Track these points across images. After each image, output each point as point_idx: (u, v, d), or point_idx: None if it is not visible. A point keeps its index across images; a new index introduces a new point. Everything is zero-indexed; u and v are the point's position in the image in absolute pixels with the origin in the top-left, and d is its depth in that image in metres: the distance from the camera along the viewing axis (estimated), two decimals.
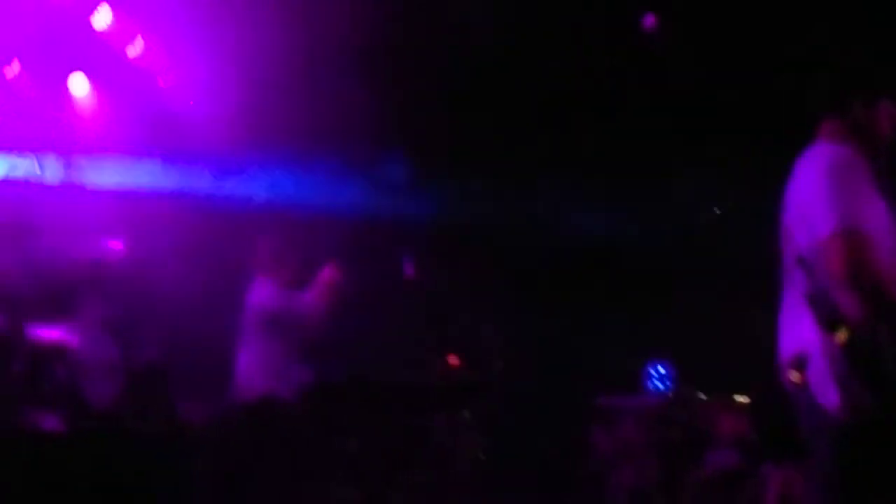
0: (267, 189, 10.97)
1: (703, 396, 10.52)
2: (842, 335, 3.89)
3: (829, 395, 3.95)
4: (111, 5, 9.79)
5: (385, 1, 9.30)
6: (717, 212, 12.52)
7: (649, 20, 9.49)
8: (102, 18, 9.80)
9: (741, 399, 10.28)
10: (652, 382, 11.38)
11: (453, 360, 11.31)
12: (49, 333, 9.22)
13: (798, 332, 4.16)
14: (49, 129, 10.47)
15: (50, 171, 10.63)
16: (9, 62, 9.96)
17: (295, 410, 7.88)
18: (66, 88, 10.54)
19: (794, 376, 4.14)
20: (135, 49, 10.03)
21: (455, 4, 9.30)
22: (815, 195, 4.10)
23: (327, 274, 7.86)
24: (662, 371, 11.13)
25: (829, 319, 3.96)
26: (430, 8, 9.36)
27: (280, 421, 7.72)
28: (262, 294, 7.89)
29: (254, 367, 7.78)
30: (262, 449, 7.66)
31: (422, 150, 11.12)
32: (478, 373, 10.80)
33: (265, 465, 7.64)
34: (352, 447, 9.69)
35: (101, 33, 9.87)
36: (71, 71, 10.49)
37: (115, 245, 10.20)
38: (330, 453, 9.30)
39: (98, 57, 10.19)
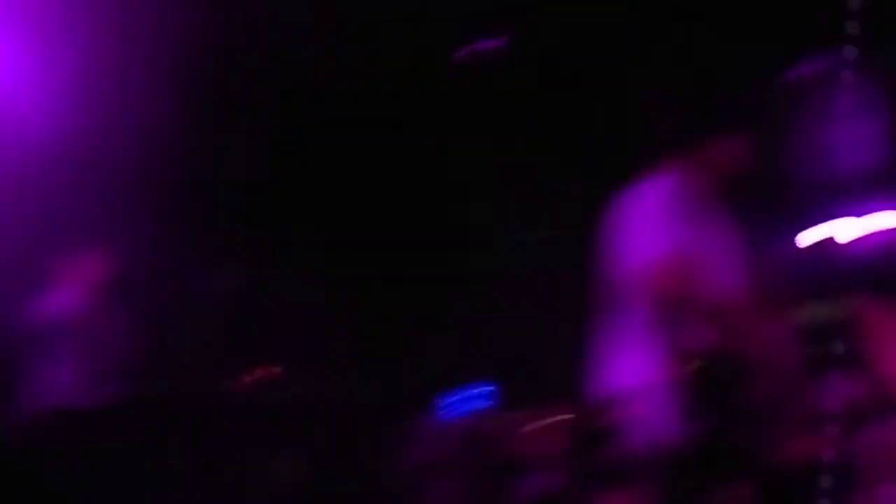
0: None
1: (521, 416, 10.64)
2: (684, 365, 3.96)
3: (664, 426, 4.04)
4: None
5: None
6: (543, 234, 12.69)
7: (487, 43, 9.58)
8: None
9: (562, 418, 10.45)
10: (470, 401, 11.47)
11: (272, 371, 11.26)
12: None
13: (631, 362, 4.22)
14: None
15: None
16: None
17: (99, 424, 7.72)
18: None
19: (628, 406, 4.20)
20: None
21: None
22: (646, 225, 4.16)
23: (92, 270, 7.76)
24: (481, 390, 11.23)
25: (667, 350, 4.04)
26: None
27: (83, 435, 7.57)
28: (68, 305, 7.73)
29: (51, 379, 7.61)
30: (62, 464, 7.50)
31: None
32: (297, 388, 10.75)
33: (65, 481, 7.48)
34: (168, 465, 9.56)
35: None
36: None
37: None
38: (142, 471, 9.16)
39: None
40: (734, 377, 3.95)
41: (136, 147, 9.57)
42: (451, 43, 10.01)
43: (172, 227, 9.96)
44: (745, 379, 3.96)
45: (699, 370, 3.96)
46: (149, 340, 8.11)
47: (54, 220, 9.28)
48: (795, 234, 10.98)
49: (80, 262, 7.88)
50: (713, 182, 4.36)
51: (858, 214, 10.96)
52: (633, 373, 4.18)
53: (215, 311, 10.87)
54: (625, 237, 4.23)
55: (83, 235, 8.23)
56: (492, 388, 11.61)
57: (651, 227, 4.06)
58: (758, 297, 4.58)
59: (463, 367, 11.56)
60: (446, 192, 11.36)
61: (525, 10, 9.45)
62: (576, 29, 9.38)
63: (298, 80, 10.13)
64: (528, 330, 11.26)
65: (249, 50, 9.57)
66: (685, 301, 3.90)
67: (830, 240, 11.10)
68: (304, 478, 10.43)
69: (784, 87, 9.50)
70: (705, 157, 4.41)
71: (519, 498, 9.29)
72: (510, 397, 11.25)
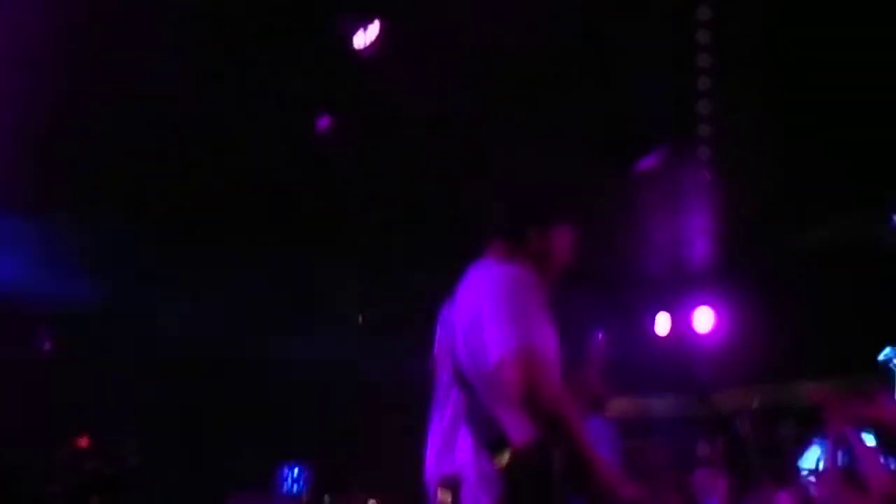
0: None
1: (334, 500, 10.55)
2: (504, 458, 3.88)
3: None
4: None
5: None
6: (360, 320, 12.66)
7: (324, 122, 9.53)
8: None
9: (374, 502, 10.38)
10: (285, 484, 11.31)
11: (83, 441, 10.95)
12: None
13: (451, 451, 4.09)
14: None
15: None
16: None
17: None
18: None
19: (444, 496, 4.06)
20: None
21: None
22: (486, 315, 4.03)
23: None
24: (296, 472, 11.06)
25: (491, 441, 3.92)
26: None
27: None
28: None
29: None
30: None
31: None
32: (111, 462, 10.46)
33: None
34: None
35: None
36: None
37: None
38: None
39: None
40: (550, 472, 3.85)
41: None
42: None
43: None
44: (564, 474, 3.86)
45: (513, 464, 3.86)
46: None
47: None
48: (644, 324, 11.14)
49: None
50: (544, 273, 4.30)
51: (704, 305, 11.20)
52: (453, 463, 4.07)
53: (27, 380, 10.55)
54: (468, 325, 4.13)
55: None
56: (308, 471, 11.45)
57: (501, 315, 3.97)
58: (584, 391, 4.55)
59: (279, 447, 11.40)
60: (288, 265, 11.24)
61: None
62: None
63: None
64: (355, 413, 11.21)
65: None
66: (522, 394, 3.81)
67: (685, 330, 11.31)
68: None
69: (632, 178, 9.64)
70: (536, 248, 4.37)
71: None
72: (327, 481, 11.11)
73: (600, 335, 5.06)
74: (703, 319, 11.26)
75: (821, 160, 9.13)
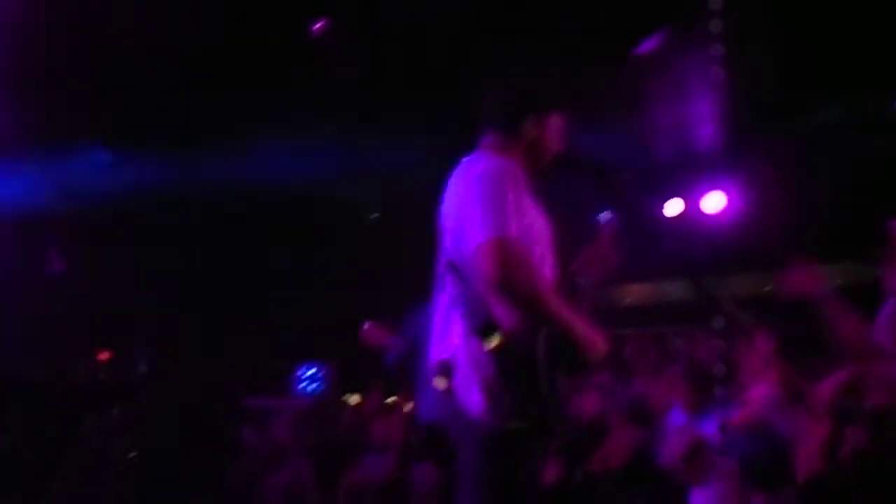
0: None
1: (355, 398, 10.64)
2: (492, 341, 3.97)
3: (473, 401, 4.03)
4: None
5: None
6: (375, 216, 12.69)
7: (319, 25, 9.51)
8: None
9: (394, 400, 10.48)
10: (303, 383, 11.41)
11: (103, 355, 11.06)
12: None
13: (446, 337, 4.21)
14: None
15: None
16: None
17: None
18: None
19: (439, 382, 4.17)
20: None
21: None
22: (467, 203, 4.15)
23: None
24: (313, 372, 11.17)
25: (480, 325, 4.03)
26: None
27: None
28: None
29: None
30: None
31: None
32: (128, 371, 10.58)
33: None
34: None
35: None
36: None
37: None
38: None
39: None
40: (535, 354, 3.94)
41: None
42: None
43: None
44: (550, 356, 3.95)
45: (502, 347, 3.94)
46: None
47: None
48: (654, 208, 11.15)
49: None
50: (534, 161, 4.37)
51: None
52: (447, 348, 4.16)
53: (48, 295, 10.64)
54: (454, 214, 4.24)
55: None
56: (325, 370, 11.55)
57: (480, 206, 4.04)
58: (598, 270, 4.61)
59: (298, 346, 11.48)
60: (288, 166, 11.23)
61: None
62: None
63: None
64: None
65: None
66: (498, 279, 3.90)
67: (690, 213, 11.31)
68: (144, 457, 10.28)
69: (633, 62, 9.60)
70: (531, 137, 4.43)
71: (357, 481, 9.24)
72: (345, 380, 11.20)
73: (608, 214, 5.09)
74: (714, 203, 11.28)
75: (830, 43, 9.09)
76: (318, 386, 11.43)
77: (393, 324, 8.39)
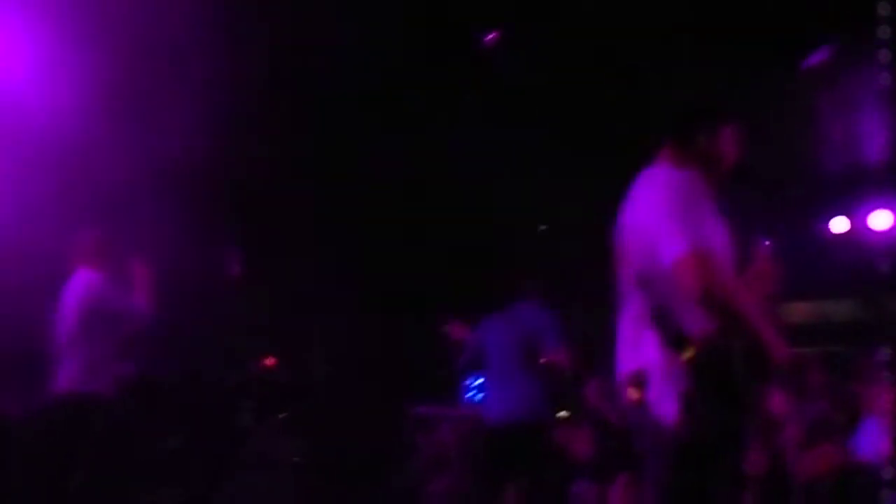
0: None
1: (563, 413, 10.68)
2: (686, 353, 4.03)
3: (668, 412, 4.07)
4: None
5: None
6: (543, 228, 12.75)
7: (491, 36, 9.61)
8: None
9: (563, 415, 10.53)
10: (470, 393, 11.50)
11: (270, 361, 11.29)
12: None
13: (637, 350, 4.25)
14: None
15: None
16: None
17: (114, 406, 7.72)
18: None
19: (632, 394, 4.23)
20: None
21: None
22: (659, 218, 4.18)
23: (144, 272, 7.78)
24: (482, 382, 11.24)
25: (672, 337, 4.08)
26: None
27: (98, 417, 7.57)
28: (84, 286, 7.73)
29: (75, 362, 7.59)
30: (80, 446, 7.51)
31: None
32: (298, 375, 10.79)
33: (83, 463, 7.49)
34: (172, 445, 9.61)
35: None
36: None
37: None
38: (150, 451, 9.18)
39: None
40: (732, 363, 3.99)
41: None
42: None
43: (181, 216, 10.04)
44: (743, 369, 3.99)
45: (697, 358, 3.99)
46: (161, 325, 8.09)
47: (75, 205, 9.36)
48: (820, 225, 10.99)
49: (101, 245, 7.88)
50: (710, 174, 4.41)
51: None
52: (638, 359, 4.23)
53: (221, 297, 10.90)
54: (642, 228, 4.29)
55: (103, 220, 8.25)
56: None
57: (674, 219, 4.09)
58: (759, 290, 4.63)
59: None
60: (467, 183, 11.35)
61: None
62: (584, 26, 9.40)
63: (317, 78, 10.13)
64: None
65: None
66: (699, 291, 3.94)
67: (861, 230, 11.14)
68: (308, 460, 10.45)
69: (805, 75, 9.51)
70: (704, 150, 4.47)
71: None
72: None
73: (766, 242, 5.12)
74: (881, 220, 11.10)
75: None
76: (477, 396, 11.51)
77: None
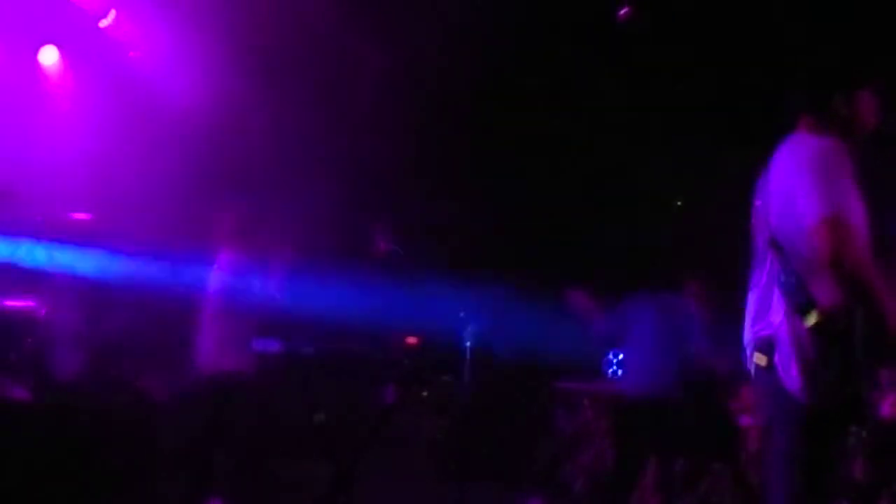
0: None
1: None
2: (812, 319, 4.01)
3: (792, 378, 4.06)
4: None
5: None
6: (679, 203, 12.65)
7: (623, 11, 9.55)
8: None
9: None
10: (612, 368, 11.46)
11: (412, 339, 11.38)
12: (17, 303, 9.22)
13: (766, 314, 4.25)
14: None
15: None
16: None
17: (258, 383, 7.88)
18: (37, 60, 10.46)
19: (758, 358, 4.23)
20: (107, 21, 9.96)
21: None
22: (798, 183, 4.14)
23: (284, 253, 7.92)
24: (622, 357, 11.18)
25: (801, 304, 4.06)
26: None
27: (242, 395, 7.73)
28: (225, 267, 7.91)
29: (215, 340, 7.77)
30: (224, 423, 7.68)
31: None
32: (440, 354, 10.87)
33: (229, 439, 7.67)
34: (318, 420, 9.77)
35: (74, 4, 9.81)
36: (42, 43, 10.41)
37: (83, 217, 10.15)
38: (296, 427, 9.35)
39: (70, 28, 10.12)
40: (853, 334, 3.93)
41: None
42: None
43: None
44: (867, 336, 3.94)
45: (821, 325, 3.96)
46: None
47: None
48: None
49: (241, 224, 8.04)
50: (851, 139, 4.33)
51: None
52: (768, 325, 4.21)
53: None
54: (782, 192, 4.24)
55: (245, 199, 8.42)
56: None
57: (816, 182, 4.05)
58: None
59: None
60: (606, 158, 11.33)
61: None
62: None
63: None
64: None
65: None
66: (833, 256, 3.89)
67: None
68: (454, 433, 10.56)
69: None
70: (843, 114, 4.40)
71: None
72: None
73: None
74: None
75: None
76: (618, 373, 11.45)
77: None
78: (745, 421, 9.26)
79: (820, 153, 4.19)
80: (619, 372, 11.33)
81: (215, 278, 7.89)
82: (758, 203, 4.45)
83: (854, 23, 8.61)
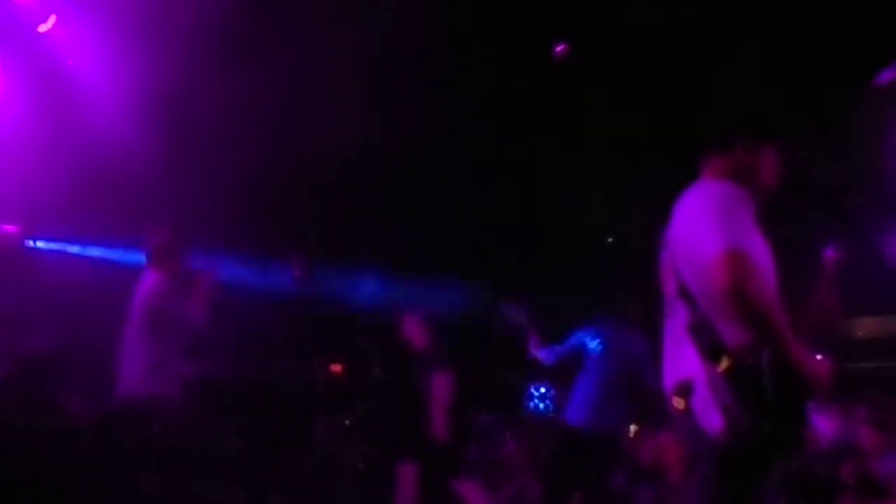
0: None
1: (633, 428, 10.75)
2: (723, 363, 4.07)
3: (711, 420, 4.12)
4: None
5: None
6: (609, 240, 12.79)
7: (560, 48, 9.64)
8: None
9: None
10: (534, 401, 11.52)
11: (335, 367, 11.37)
12: None
13: (681, 360, 4.31)
14: None
15: None
16: None
17: (176, 407, 7.83)
18: None
19: (677, 403, 4.29)
20: (46, 25, 9.83)
21: None
22: (699, 224, 4.23)
23: (206, 279, 7.91)
24: (543, 391, 11.29)
25: (710, 348, 4.13)
26: None
27: (161, 418, 7.68)
28: (147, 288, 7.86)
29: (137, 362, 7.71)
30: (143, 446, 7.62)
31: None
32: (359, 381, 10.88)
33: (146, 463, 7.61)
34: (234, 446, 9.72)
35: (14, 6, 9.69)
36: None
37: (10, 229, 10.05)
38: (212, 452, 9.29)
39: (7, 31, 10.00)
40: (767, 376, 4.01)
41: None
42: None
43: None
44: (774, 381, 4.01)
45: (732, 367, 4.03)
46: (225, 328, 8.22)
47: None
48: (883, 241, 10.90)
49: (167, 247, 8.01)
50: (753, 188, 4.43)
51: None
52: (681, 370, 4.29)
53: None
54: (684, 237, 4.33)
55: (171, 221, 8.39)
56: (554, 389, 11.63)
57: (713, 220, 4.14)
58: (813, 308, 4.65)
59: (527, 368, 11.59)
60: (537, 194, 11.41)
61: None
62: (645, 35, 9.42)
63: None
64: None
65: None
66: (733, 290, 3.96)
67: None
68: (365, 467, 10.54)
69: (876, 91, 9.43)
70: (742, 161, 4.50)
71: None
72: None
73: (831, 251, 5.14)
74: None
75: None
76: (547, 405, 11.54)
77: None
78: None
79: (720, 194, 4.31)
80: (541, 405, 11.40)
81: (138, 300, 7.84)
82: (664, 254, 4.53)
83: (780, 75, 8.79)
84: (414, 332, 9.23)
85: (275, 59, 9.28)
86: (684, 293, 4.30)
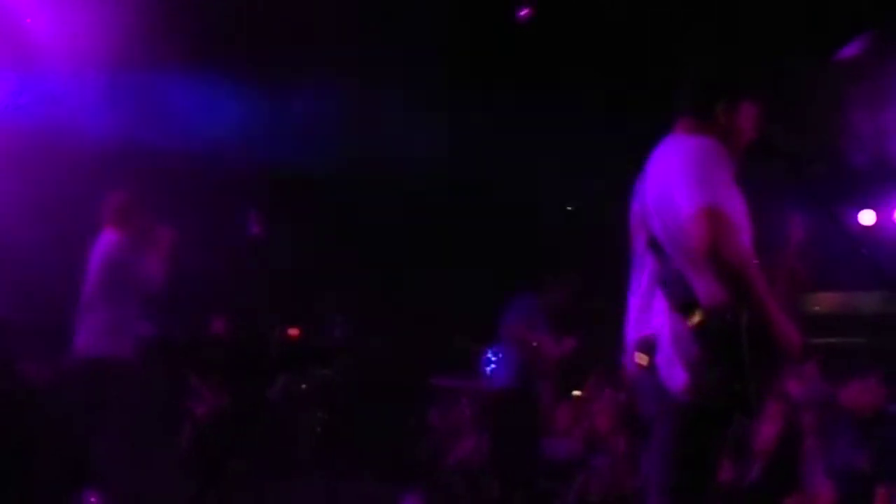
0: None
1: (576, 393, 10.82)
2: (694, 318, 4.04)
3: (675, 377, 4.10)
4: None
5: None
6: (569, 208, 12.77)
7: (524, 12, 9.62)
8: None
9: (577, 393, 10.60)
10: (490, 366, 11.50)
11: (293, 331, 11.34)
12: None
13: (647, 316, 4.29)
14: None
15: None
16: None
17: (134, 369, 7.77)
18: None
19: (640, 358, 4.26)
20: None
21: None
22: (676, 179, 4.19)
23: (166, 237, 7.84)
24: (502, 356, 11.24)
25: (682, 302, 4.09)
26: None
27: (118, 380, 7.62)
28: (106, 246, 7.80)
29: (94, 324, 7.66)
30: (101, 408, 7.57)
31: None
32: (318, 341, 10.87)
33: (103, 424, 7.55)
34: (194, 409, 9.69)
35: None
36: None
37: None
38: (170, 414, 9.27)
39: None
40: (739, 331, 3.99)
41: None
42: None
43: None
44: (750, 336, 4.00)
45: (704, 323, 4.01)
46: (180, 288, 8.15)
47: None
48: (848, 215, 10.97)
49: (126, 207, 7.94)
50: (730, 148, 4.41)
51: None
52: (649, 326, 4.27)
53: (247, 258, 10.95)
54: (659, 192, 4.29)
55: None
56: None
57: (691, 176, 4.12)
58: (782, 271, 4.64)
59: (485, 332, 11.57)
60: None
61: None
62: None
63: None
64: None
65: None
66: (710, 247, 3.94)
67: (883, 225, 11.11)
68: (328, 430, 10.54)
69: (839, 64, 9.47)
70: (723, 124, 4.44)
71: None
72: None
73: (797, 217, 5.13)
74: None
75: None
76: (493, 370, 11.50)
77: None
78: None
79: (697, 150, 4.26)
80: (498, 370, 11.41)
81: (96, 260, 7.78)
82: (635, 206, 4.49)
83: (744, 30, 8.80)
84: None
85: None
86: (654, 245, 4.27)
